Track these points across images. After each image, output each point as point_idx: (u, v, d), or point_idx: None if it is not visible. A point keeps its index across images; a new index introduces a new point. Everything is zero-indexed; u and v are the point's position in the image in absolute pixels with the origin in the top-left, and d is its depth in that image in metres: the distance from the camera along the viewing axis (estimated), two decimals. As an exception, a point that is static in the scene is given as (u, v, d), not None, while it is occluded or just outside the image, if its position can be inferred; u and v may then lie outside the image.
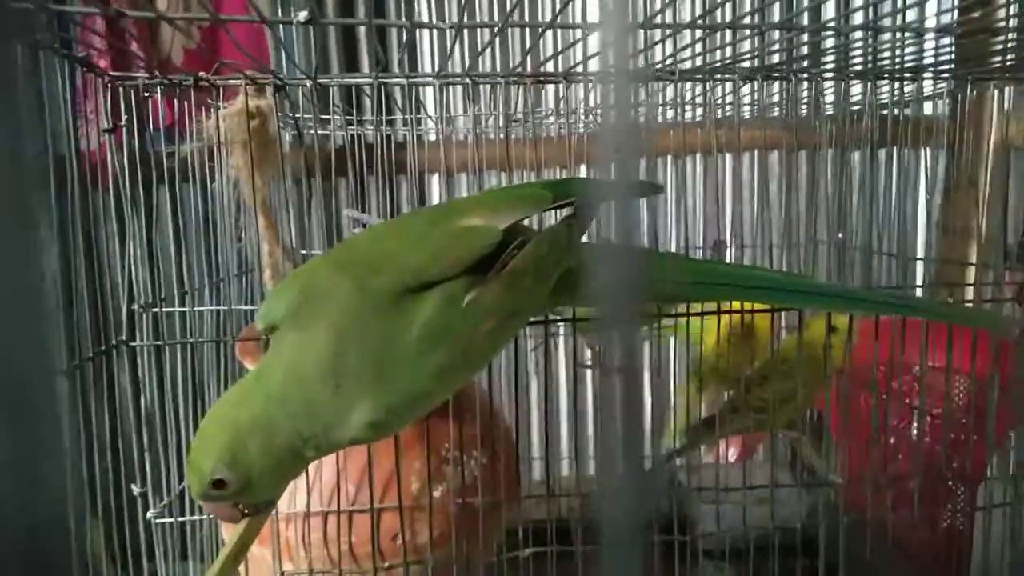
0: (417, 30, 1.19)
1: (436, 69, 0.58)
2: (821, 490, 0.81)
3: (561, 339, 1.35)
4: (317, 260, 0.51)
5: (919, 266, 0.93)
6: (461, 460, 0.72)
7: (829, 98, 0.91)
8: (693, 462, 0.94)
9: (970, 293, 0.80)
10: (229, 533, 0.61)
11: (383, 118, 0.81)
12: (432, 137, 1.29)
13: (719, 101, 0.74)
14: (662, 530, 0.77)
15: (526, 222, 0.53)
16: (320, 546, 0.69)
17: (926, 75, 0.69)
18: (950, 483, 0.94)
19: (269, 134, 0.63)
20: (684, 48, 0.61)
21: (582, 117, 0.97)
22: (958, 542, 0.91)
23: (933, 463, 0.85)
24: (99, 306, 0.65)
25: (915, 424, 1.01)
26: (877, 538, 0.77)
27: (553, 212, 0.53)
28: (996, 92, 0.80)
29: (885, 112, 0.85)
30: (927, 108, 0.89)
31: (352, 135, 0.98)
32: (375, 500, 0.68)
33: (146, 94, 0.63)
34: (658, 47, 0.62)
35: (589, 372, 1.32)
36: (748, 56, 0.64)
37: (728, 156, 1.44)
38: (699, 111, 0.95)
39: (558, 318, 0.72)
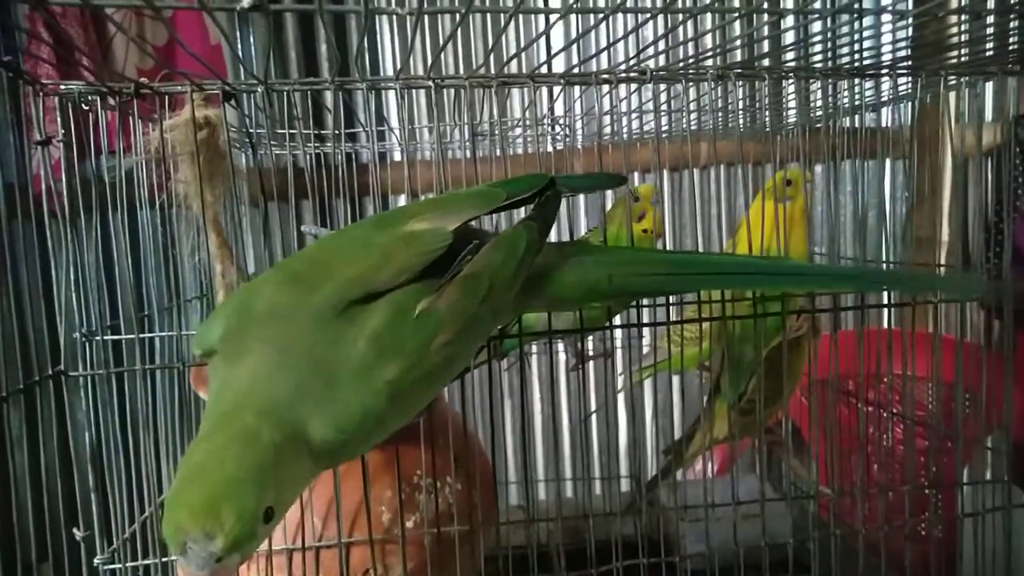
0: (378, 29, 1.17)
1: (398, 68, 0.55)
2: (809, 503, 0.78)
3: (535, 358, 1.32)
4: (256, 279, 0.47)
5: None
6: (435, 487, 0.69)
7: (793, 102, 0.91)
8: (673, 480, 0.91)
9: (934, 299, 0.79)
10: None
11: (343, 131, 0.78)
12: (396, 155, 1.26)
13: (687, 106, 0.72)
14: (646, 552, 0.73)
15: (485, 225, 0.50)
16: (285, 586, 0.64)
17: (884, 70, 0.68)
18: (926, 491, 0.93)
19: (219, 146, 0.59)
20: (647, 47, 0.60)
21: (550, 129, 0.96)
22: (941, 550, 0.90)
23: (911, 471, 0.84)
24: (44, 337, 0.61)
25: (889, 433, 1.00)
26: (867, 551, 0.75)
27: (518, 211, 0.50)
28: (954, 98, 0.81)
29: (847, 123, 0.86)
30: (886, 119, 0.89)
31: (313, 154, 0.95)
32: (343, 534, 0.64)
33: (86, 107, 0.59)
34: (619, 48, 0.60)
35: (564, 391, 1.29)
36: (711, 53, 0.62)
37: (696, 171, 1.44)
38: (664, 120, 0.94)
39: (532, 332, 0.69)
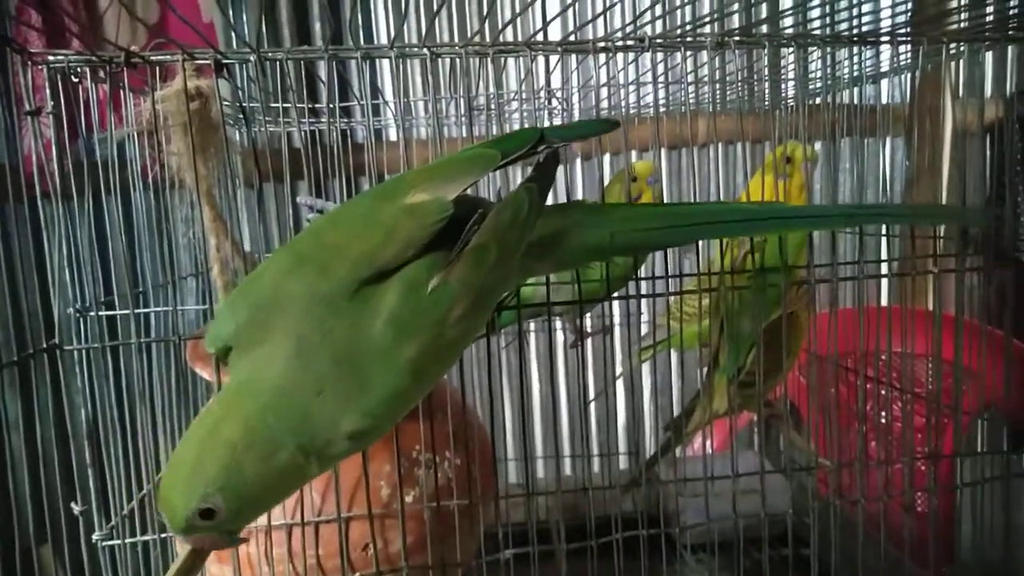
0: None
1: (392, 36, 0.55)
2: (809, 476, 0.78)
3: (533, 335, 1.32)
4: (260, 268, 0.47)
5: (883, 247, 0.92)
6: (434, 462, 0.68)
7: (792, 73, 0.90)
8: (673, 456, 0.91)
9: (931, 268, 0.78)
10: (182, 547, 0.56)
11: (337, 105, 0.77)
12: (392, 133, 1.25)
13: (685, 76, 0.71)
14: (644, 525, 0.73)
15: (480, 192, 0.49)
16: (285, 561, 0.64)
17: (884, 37, 0.67)
18: (923, 465, 0.93)
19: (211, 117, 0.58)
20: (643, 13, 0.59)
21: (547, 103, 0.95)
22: (939, 523, 0.90)
23: (909, 444, 0.84)
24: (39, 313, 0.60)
25: (888, 410, 1.00)
26: (866, 524, 0.75)
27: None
28: (954, 68, 0.79)
29: (846, 98, 0.85)
30: (886, 94, 0.88)
31: (307, 131, 0.94)
32: (343, 509, 0.64)
33: (75, 78, 0.58)
34: (615, 17, 0.59)
35: (563, 368, 1.29)
36: (708, 19, 0.61)
37: (695, 149, 1.43)
38: (662, 92, 0.93)
39: (530, 304, 0.69)
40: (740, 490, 0.73)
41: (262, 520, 0.63)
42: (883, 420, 1.02)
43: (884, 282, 0.75)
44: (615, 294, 0.76)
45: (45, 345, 0.59)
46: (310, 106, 0.87)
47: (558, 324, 1.17)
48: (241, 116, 0.73)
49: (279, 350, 0.42)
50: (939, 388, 0.88)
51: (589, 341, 0.99)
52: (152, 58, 0.55)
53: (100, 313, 0.61)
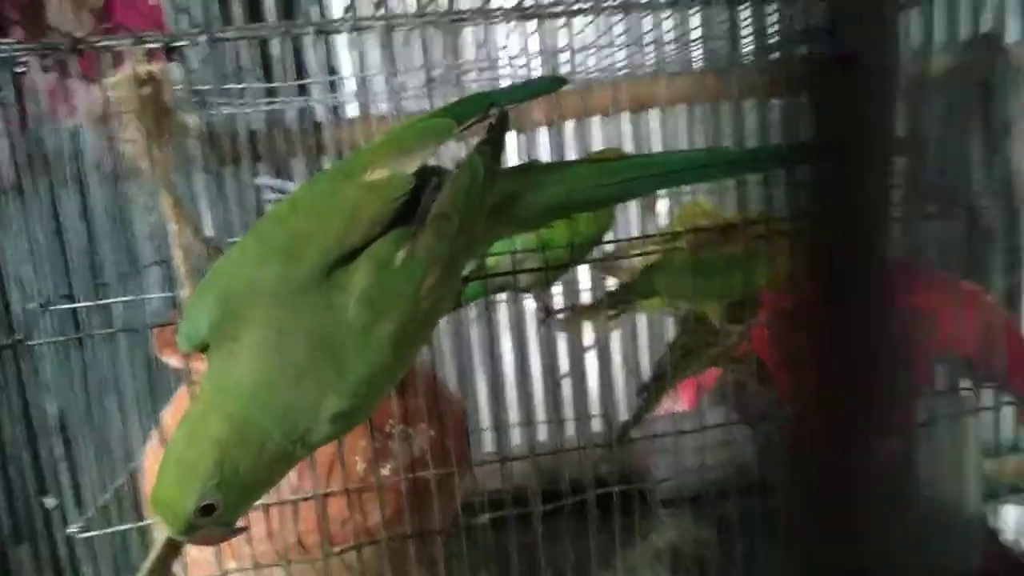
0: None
1: (346, 9, 0.54)
2: (774, 427, 0.81)
3: (503, 306, 1.32)
4: (224, 260, 0.47)
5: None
6: (407, 434, 0.69)
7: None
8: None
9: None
10: (160, 534, 0.57)
11: (295, 83, 0.76)
12: (350, 109, 1.23)
13: (642, 38, 0.72)
14: (616, 482, 0.75)
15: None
16: (265, 540, 0.65)
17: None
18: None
19: (165, 102, 0.57)
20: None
21: (504, 71, 0.94)
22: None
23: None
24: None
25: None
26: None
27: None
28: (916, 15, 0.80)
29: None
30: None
31: (265, 112, 0.92)
32: (320, 485, 0.65)
33: (21, 70, 0.57)
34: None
35: (533, 337, 1.30)
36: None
37: (657, 111, 1.43)
38: (621, 55, 0.93)
39: (495, 274, 0.70)
40: (708, 444, 0.76)
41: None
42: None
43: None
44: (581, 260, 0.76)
45: (9, 342, 0.58)
46: (266, 86, 0.86)
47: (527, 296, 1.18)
48: (195, 100, 0.72)
49: (254, 342, 0.42)
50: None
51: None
52: (99, 44, 0.54)
53: (61, 307, 0.60)
